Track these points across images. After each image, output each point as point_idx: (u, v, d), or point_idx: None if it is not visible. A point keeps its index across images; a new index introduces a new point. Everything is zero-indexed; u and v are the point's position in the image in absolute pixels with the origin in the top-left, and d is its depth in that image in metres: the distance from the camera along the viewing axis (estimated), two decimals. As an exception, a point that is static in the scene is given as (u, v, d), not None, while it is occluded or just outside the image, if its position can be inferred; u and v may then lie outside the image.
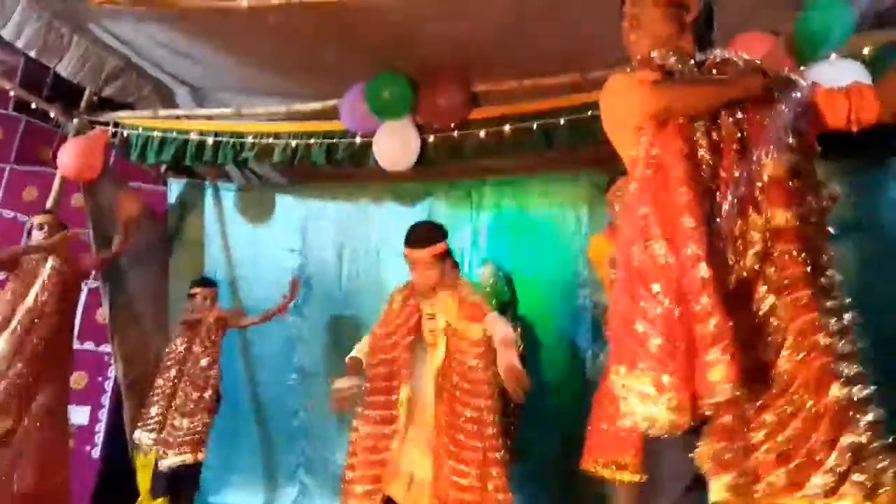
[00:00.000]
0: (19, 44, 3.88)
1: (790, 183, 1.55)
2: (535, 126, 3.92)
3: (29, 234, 4.17)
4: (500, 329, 2.94)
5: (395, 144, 4.11)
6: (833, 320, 1.46)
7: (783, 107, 1.59)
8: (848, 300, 1.51)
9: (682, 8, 1.76)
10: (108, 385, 5.31)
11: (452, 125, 4.09)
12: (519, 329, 4.37)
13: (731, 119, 1.62)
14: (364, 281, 5.07)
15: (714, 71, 1.73)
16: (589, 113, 3.76)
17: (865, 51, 3.29)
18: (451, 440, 2.86)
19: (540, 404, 4.50)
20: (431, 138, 4.16)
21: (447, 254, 3.11)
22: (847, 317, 1.49)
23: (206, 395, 4.23)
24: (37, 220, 4.17)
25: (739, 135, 1.60)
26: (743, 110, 1.62)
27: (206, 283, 4.65)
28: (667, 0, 1.75)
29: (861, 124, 1.64)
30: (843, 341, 1.45)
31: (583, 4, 3.19)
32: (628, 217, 1.61)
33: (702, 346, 1.40)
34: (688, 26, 1.76)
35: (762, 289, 1.50)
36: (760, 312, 1.49)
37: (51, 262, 4.04)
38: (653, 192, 1.54)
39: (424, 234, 3.08)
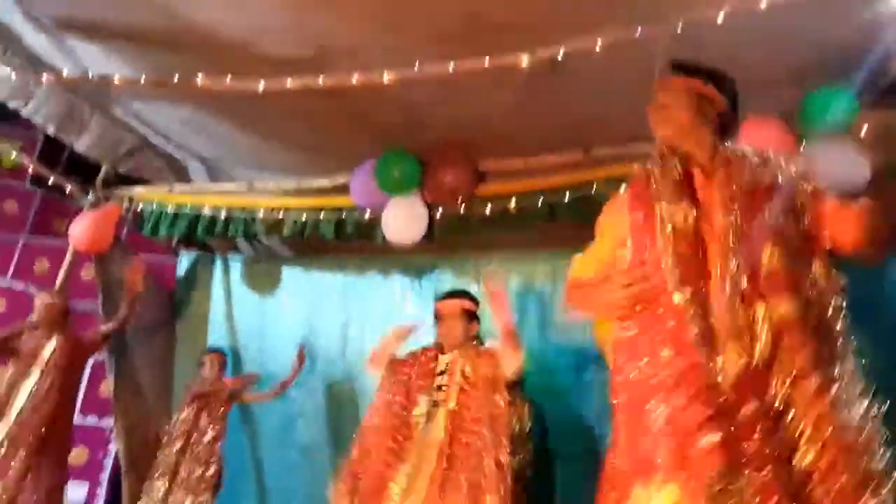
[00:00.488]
0: (40, 121, 4.01)
1: (789, 273, 1.56)
2: (539, 202, 3.98)
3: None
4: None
5: (403, 220, 4.16)
6: (850, 407, 1.45)
7: (779, 200, 1.64)
8: (864, 386, 1.49)
9: (710, 103, 1.83)
10: (108, 461, 5.22)
11: (459, 201, 4.15)
12: (527, 406, 4.32)
13: (723, 212, 1.65)
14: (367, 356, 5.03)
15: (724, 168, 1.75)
16: (593, 190, 3.83)
17: (866, 129, 3.35)
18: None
19: (546, 480, 4.39)
20: (439, 214, 4.22)
21: (474, 317, 3.27)
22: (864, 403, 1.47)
23: (210, 471, 4.15)
24: (38, 296, 4.23)
25: (733, 226, 1.63)
26: (738, 205, 1.66)
27: (216, 351, 4.67)
28: (695, 92, 1.82)
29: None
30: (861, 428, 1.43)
31: (584, 86, 3.29)
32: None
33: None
34: (713, 118, 1.82)
35: (775, 381, 1.49)
36: (776, 404, 1.47)
37: (54, 341, 4.03)
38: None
39: (457, 291, 3.42)
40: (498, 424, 2.95)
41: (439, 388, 3.08)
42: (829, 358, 1.51)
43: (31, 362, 3.94)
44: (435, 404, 3.03)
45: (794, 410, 1.45)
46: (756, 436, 1.43)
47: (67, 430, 4.12)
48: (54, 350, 3.99)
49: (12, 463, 3.67)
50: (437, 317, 3.30)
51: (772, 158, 1.76)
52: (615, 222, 1.90)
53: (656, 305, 1.66)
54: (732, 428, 1.44)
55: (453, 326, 3.19)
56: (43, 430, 3.80)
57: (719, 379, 1.50)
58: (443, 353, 3.20)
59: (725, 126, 1.85)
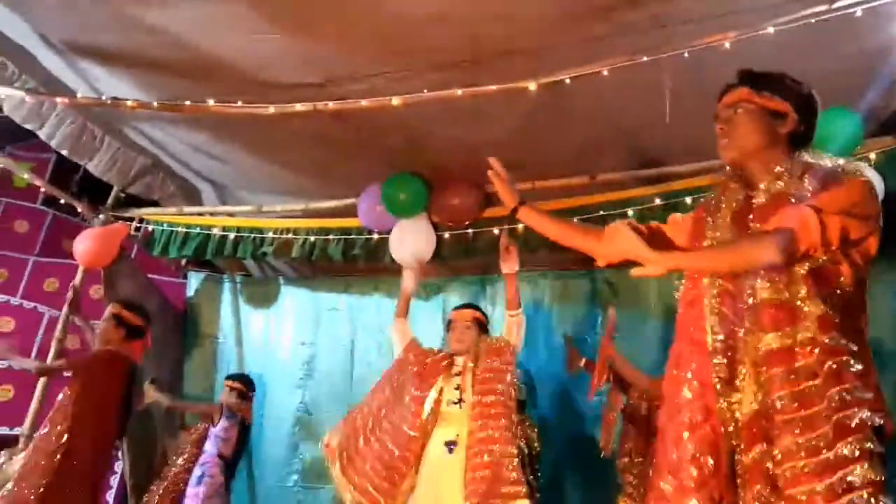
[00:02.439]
0: (53, 143, 4.06)
1: (778, 306, 1.54)
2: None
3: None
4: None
5: (411, 241, 4.19)
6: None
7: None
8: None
9: (777, 118, 1.72)
10: (115, 481, 5.21)
11: (466, 223, 4.18)
12: (536, 429, 4.30)
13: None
14: (374, 377, 5.01)
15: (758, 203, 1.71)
16: (600, 212, 3.86)
17: (872, 156, 3.37)
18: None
19: (557, 501, 4.36)
20: (446, 235, 4.25)
21: (485, 330, 3.51)
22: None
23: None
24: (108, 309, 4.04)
25: None
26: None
27: (232, 377, 4.75)
28: (759, 106, 1.73)
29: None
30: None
31: (590, 111, 3.32)
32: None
33: None
34: (781, 137, 1.72)
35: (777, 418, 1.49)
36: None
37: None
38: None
39: (471, 303, 3.79)
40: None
41: (457, 387, 3.24)
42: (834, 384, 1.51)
43: None
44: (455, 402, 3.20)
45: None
46: None
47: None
48: None
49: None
50: (450, 325, 3.54)
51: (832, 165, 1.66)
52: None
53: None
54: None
55: (465, 334, 3.42)
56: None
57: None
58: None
59: (800, 142, 1.74)
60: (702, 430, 1.55)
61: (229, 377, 4.77)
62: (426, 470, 3.10)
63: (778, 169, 1.68)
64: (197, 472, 4.29)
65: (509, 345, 3.34)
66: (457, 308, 3.71)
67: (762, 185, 1.69)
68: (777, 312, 1.52)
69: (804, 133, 1.74)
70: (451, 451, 3.10)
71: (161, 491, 4.31)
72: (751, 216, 1.68)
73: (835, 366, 1.44)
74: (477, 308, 3.70)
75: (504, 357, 3.28)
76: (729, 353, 1.58)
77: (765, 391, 1.49)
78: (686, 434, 1.56)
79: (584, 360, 3.90)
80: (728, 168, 1.83)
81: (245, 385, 4.71)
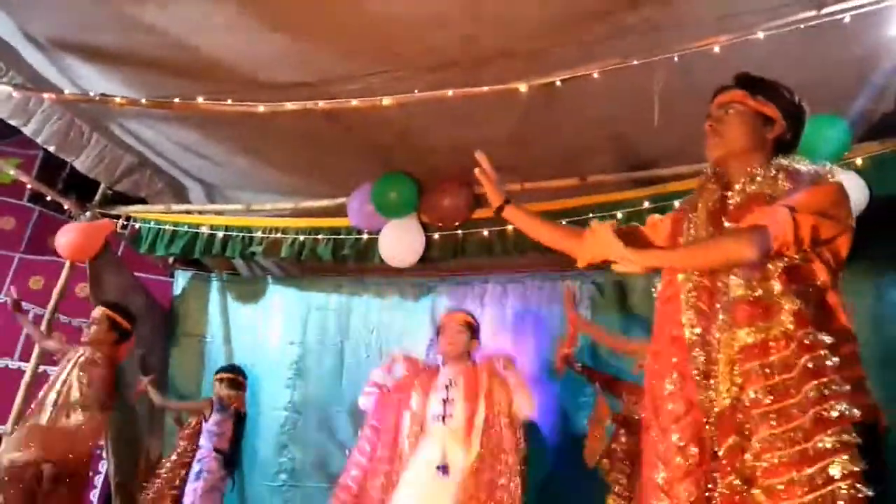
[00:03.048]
0: (40, 140, 4.02)
1: (752, 302, 1.57)
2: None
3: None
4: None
5: (400, 242, 4.19)
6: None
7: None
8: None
9: (766, 123, 1.77)
10: (98, 480, 5.18)
11: (456, 224, 4.17)
12: (523, 431, 4.31)
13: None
14: (363, 377, 5.00)
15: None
16: (589, 215, 3.86)
17: (859, 161, 3.40)
18: None
19: (543, 502, 4.37)
20: (436, 236, 4.25)
21: (476, 333, 3.47)
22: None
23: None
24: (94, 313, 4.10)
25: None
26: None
27: (222, 370, 4.71)
28: (751, 109, 1.78)
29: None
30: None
31: (581, 113, 3.33)
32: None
33: None
34: (767, 142, 1.77)
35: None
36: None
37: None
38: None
39: (463, 308, 3.74)
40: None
41: (444, 401, 3.18)
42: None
43: None
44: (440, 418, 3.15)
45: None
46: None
47: None
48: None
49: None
50: (440, 329, 3.49)
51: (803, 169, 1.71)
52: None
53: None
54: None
55: (456, 338, 3.36)
56: None
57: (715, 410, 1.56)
58: (444, 365, 3.38)
59: (784, 148, 1.79)
60: (685, 420, 1.59)
61: (219, 370, 4.74)
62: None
63: (754, 170, 1.73)
64: (195, 467, 4.28)
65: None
66: (449, 311, 3.70)
67: (737, 186, 1.74)
68: (751, 309, 1.56)
69: (789, 141, 1.80)
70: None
71: (156, 488, 4.28)
72: (725, 216, 1.73)
73: (811, 360, 1.47)
74: (468, 312, 3.67)
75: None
76: (707, 348, 1.62)
77: (739, 386, 1.53)
78: (672, 426, 1.60)
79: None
80: (708, 168, 1.87)
81: (237, 374, 4.68)
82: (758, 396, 1.48)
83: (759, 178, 1.71)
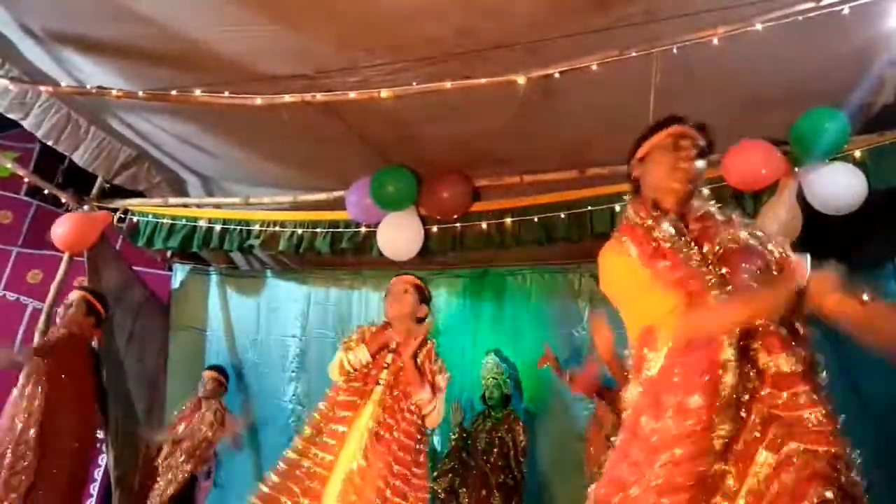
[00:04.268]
0: (39, 133, 4.01)
1: (782, 331, 1.60)
2: (535, 219, 4.01)
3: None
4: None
5: (399, 235, 4.18)
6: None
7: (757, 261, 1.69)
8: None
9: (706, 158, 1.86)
10: (98, 473, 5.19)
11: (455, 217, 4.17)
12: (521, 424, 4.34)
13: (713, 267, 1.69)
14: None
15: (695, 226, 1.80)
16: (588, 207, 3.87)
17: (857, 153, 3.40)
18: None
19: (543, 495, 4.38)
20: (434, 229, 4.24)
21: (425, 300, 3.28)
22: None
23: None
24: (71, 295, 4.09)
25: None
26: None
27: (213, 368, 4.70)
28: (701, 147, 1.84)
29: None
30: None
31: (580, 105, 3.33)
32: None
33: None
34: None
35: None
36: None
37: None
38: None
39: (410, 272, 3.44)
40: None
41: (386, 366, 3.07)
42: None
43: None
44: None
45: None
46: None
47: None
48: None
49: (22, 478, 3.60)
50: (387, 292, 3.34)
51: (735, 220, 1.81)
52: (623, 263, 1.82)
53: None
54: None
55: (403, 301, 3.20)
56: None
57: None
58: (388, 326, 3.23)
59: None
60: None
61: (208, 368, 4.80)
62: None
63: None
64: (204, 467, 4.32)
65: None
66: (396, 276, 3.43)
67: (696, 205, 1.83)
68: None
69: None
70: None
71: (163, 484, 4.29)
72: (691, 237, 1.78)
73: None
74: (416, 276, 3.40)
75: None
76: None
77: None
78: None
79: (566, 374, 4.12)
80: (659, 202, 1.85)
81: (220, 374, 4.78)
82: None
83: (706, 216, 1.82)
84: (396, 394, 2.99)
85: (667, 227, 1.76)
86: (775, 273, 1.68)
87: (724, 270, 1.67)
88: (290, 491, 2.80)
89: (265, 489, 2.86)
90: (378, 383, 3.02)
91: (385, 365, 3.07)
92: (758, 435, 1.52)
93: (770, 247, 1.74)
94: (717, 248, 1.72)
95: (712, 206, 1.85)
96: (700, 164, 1.82)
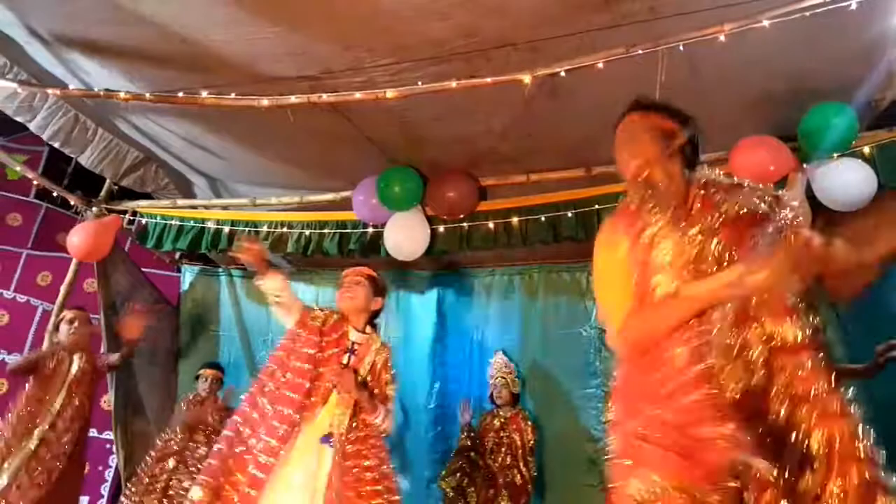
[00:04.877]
0: (46, 136, 4.04)
1: (780, 298, 1.56)
2: (542, 218, 4.01)
3: (56, 328, 4.16)
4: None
5: (406, 235, 4.18)
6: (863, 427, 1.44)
7: (768, 229, 1.61)
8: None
9: (670, 135, 1.82)
10: (109, 474, 5.21)
11: (461, 216, 4.17)
12: (530, 422, 4.32)
13: (715, 239, 1.65)
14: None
15: (702, 195, 1.75)
16: (595, 206, 3.86)
17: (866, 149, 3.38)
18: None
19: (550, 494, 4.37)
20: (441, 229, 4.24)
21: (379, 292, 3.21)
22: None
23: None
24: (67, 314, 4.14)
25: (728, 253, 1.62)
26: (724, 231, 1.67)
27: (211, 366, 4.69)
28: (655, 125, 1.84)
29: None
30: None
31: (585, 103, 3.31)
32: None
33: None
34: (675, 150, 1.81)
35: (775, 401, 1.48)
36: (778, 425, 1.47)
37: (76, 361, 3.98)
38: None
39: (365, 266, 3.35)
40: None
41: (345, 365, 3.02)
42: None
43: (57, 381, 3.89)
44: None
45: (800, 434, 1.44)
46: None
47: (85, 447, 4.09)
48: (78, 369, 3.96)
49: (38, 479, 3.64)
50: (340, 284, 3.25)
51: (746, 186, 1.75)
52: (612, 258, 1.82)
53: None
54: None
55: (355, 292, 3.14)
56: (67, 446, 3.80)
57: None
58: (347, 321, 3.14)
59: (689, 160, 1.84)
60: None
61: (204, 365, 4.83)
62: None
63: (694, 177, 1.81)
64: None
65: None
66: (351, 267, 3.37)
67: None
68: None
69: (693, 154, 1.85)
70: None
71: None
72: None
73: None
74: (370, 267, 3.36)
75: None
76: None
77: None
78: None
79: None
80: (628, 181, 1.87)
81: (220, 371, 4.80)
82: None
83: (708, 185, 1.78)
84: (354, 439, 2.91)
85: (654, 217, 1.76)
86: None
87: (721, 243, 1.63)
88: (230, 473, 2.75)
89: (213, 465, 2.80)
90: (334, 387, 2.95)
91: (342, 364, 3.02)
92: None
93: (784, 212, 1.67)
94: (720, 216, 1.67)
95: (718, 174, 1.79)
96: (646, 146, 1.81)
